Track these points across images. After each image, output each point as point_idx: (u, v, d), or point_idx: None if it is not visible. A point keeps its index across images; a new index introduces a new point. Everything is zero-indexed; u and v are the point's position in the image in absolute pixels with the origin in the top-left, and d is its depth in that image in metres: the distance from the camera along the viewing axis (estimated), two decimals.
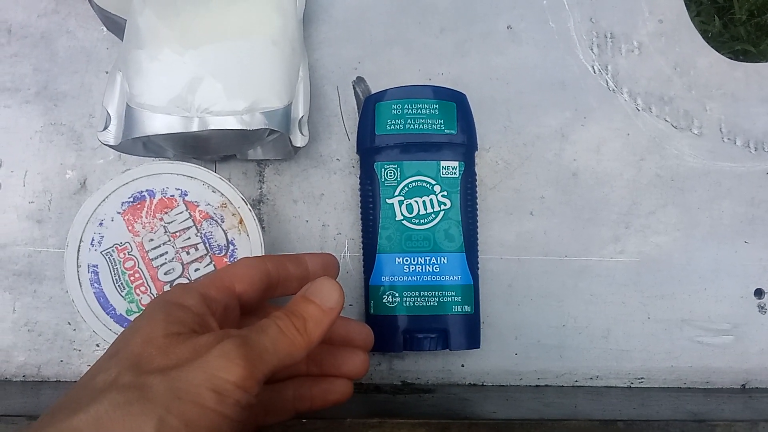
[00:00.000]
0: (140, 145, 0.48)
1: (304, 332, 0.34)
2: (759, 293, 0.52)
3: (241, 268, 0.38)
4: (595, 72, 0.54)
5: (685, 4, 0.55)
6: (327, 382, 0.41)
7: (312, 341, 0.35)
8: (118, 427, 0.28)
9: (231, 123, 0.44)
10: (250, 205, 0.46)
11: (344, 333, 0.42)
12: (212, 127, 0.44)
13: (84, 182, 0.51)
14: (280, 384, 0.40)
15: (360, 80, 0.52)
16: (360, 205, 0.50)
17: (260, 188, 0.52)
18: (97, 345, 0.50)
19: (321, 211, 0.52)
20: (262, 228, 0.51)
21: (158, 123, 0.44)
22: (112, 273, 0.45)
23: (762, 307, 0.52)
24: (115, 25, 0.48)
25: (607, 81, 0.54)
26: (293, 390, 0.40)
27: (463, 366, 0.51)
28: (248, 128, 0.44)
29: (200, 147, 0.48)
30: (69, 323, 0.50)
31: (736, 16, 1.21)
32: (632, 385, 0.51)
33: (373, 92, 0.51)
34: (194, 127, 0.44)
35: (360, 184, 0.50)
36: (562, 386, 0.51)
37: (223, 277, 0.37)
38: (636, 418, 0.42)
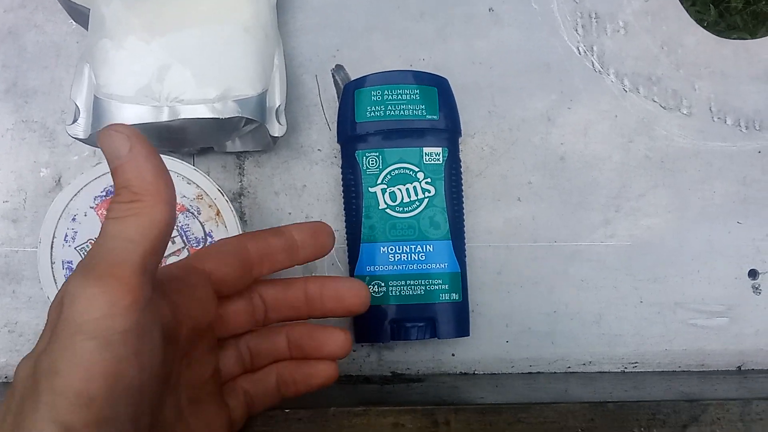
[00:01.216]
0: None
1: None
2: (753, 274, 0.51)
3: (213, 246, 0.36)
4: (580, 53, 0.53)
5: None
6: (309, 365, 0.39)
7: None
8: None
9: (202, 111, 0.43)
10: (230, 197, 0.45)
11: (334, 293, 0.39)
12: (183, 116, 0.43)
13: (59, 179, 0.50)
14: (263, 371, 0.39)
15: (339, 68, 0.51)
16: (342, 194, 0.48)
17: (240, 181, 0.51)
18: None
19: (304, 202, 0.51)
20: (244, 222, 0.50)
21: (127, 113, 0.42)
22: None
23: (756, 288, 0.51)
24: (82, 16, 0.47)
25: (593, 62, 0.52)
26: (276, 375, 0.39)
27: (453, 355, 0.50)
28: (221, 117, 0.43)
29: (176, 139, 0.47)
30: None
31: (732, 4, 1.20)
32: (626, 370, 0.50)
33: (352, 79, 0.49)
34: (164, 117, 0.42)
35: (342, 173, 0.48)
36: (555, 373, 0.50)
37: (191, 257, 0.35)
38: (627, 400, 0.41)
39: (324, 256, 0.39)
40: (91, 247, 0.30)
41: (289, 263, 0.37)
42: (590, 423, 0.41)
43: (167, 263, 0.43)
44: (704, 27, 0.53)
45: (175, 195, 0.29)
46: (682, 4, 0.53)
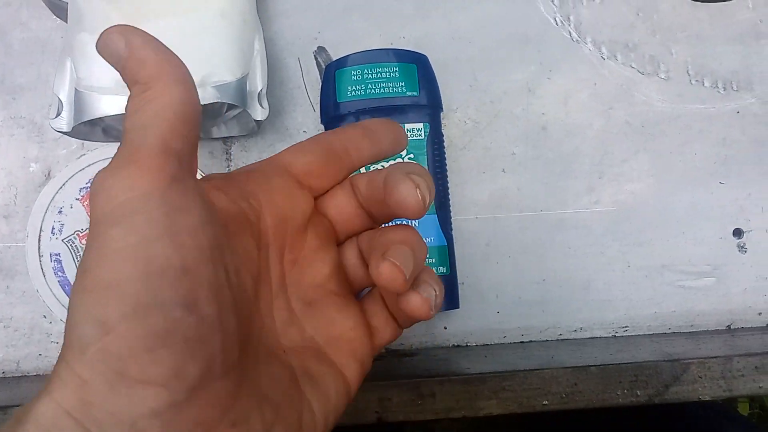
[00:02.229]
0: (99, 130, 0.48)
1: None
2: (738, 233, 0.52)
3: (294, 144, 0.35)
4: (557, 23, 0.53)
5: None
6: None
7: None
8: None
9: None
10: None
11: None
12: None
13: (48, 174, 0.51)
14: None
15: (321, 50, 0.52)
16: None
17: (228, 166, 0.51)
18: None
19: None
20: None
21: (106, 105, 0.43)
22: (75, 260, 0.44)
23: (742, 247, 0.52)
24: (62, 11, 0.48)
25: (570, 32, 0.53)
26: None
27: (446, 328, 0.51)
28: (200, 102, 0.43)
29: None
30: (44, 316, 0.49)
31: None
32: (617, 335, 0.51)
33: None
34: None
35: None
36: (547, 341, 0.51)
37: (274, 155, 0.34)
38: (610, 363, 0.42)
39: (403, 149, 0.37)
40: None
41: (376, 152, 0.35)
42: (573, 387, 0.42)
43: None
44: None
45: (185, 71, 0.28)
46: None
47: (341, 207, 0.34)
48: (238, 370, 0.27)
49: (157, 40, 0.28)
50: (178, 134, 0.26)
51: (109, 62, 0.28)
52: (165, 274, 0.24)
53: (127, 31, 0.27)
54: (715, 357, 0.43)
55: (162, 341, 0.24)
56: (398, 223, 0.33)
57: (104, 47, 0.27)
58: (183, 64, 0.28)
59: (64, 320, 0.43)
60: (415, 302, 0.31)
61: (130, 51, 0.27)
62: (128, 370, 0.23)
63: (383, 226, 0.35)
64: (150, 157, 0.25)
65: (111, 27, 0.27)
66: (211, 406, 0.25)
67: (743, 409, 1.20)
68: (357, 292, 0.36)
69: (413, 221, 0.46)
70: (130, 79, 0.27)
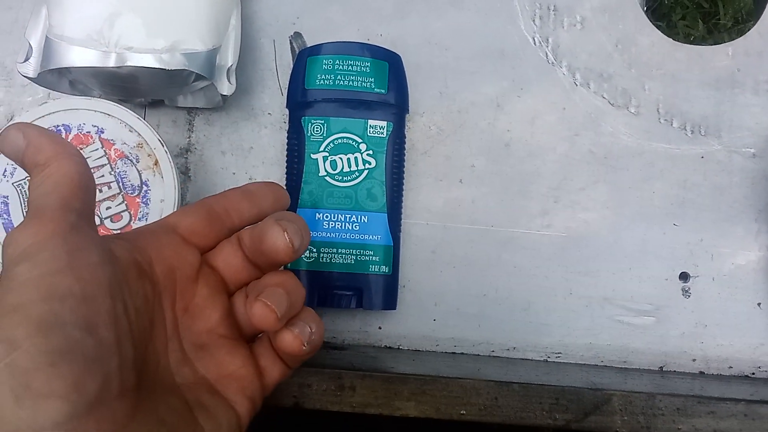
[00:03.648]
0: (66, 82, 0.48)
1: None
2: (684, 277, 0.52)
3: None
4: (535, 44, 0.53)
5: (671, 7, 0.54)
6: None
7: None
8: None
9: (149, 61, 0.44)
10: (177, 152, 0.45)
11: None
12: (130, 63, 0.43)
13: (11, 119, 0.51)
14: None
15: (297, 35, 0.52)
16: (286, 159, 0.49)
17: (189, 137, 0.52)
18: None
19: (249, 164, 0.52)
20: (188, 177, 0.51)
21: (74, 56, 0.43)
22: (23, 205, 0.44)
23: (686, 291, 0.51)
24: None
25: (547, 53, 0.53)
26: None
27: (380, 328, 0.51)
28: (167, 68, 0.44)
29: (126, 88, 0.48)
30: None
31: (721, 21, 1.20)
32: (548, 359, 0.51)
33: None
34: (111, 63, 0.43)
35: (287, 137, 0.49)
36: (479, 355, 0.51)
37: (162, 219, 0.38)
38: (534, 382, 0.42)
39: (285, 207, 0.41)
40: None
41: (256, 212, 0.39)
42: (493, 402, 0.42)
43: (103, 208, 0.44)
44: (691, 42, 0.54)
45: (78, 152, 0.32)
46: (672, 17, 0.54)
47: (228, 260, 0.38)
48: (134, 394, 0.30)
49: (50, 131, 0.32)
50: (76, 197, 0.30)
51: (10, 157, 0.32)
52: (66, 299, 0.27)
53: (23, 126, 0.32)
54: (638, 392, 0.43)
55: (63, 357, 0.26)
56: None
57: (4, 142, 0.32)
58: (72, 145, 0.32)
59: None
60: (287, 339, 0.35)
61: (27, 141, 0.31)
62: (33, 382, 0.25)
63: None
64: (52, 211, 0.29)
65: (8, 125, 0.32)
66: (109, 422, 0.27)
67: None
68: (251, 338, 0.39)
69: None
70: (30, 164, 0.31)
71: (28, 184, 0.44)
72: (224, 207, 0.38)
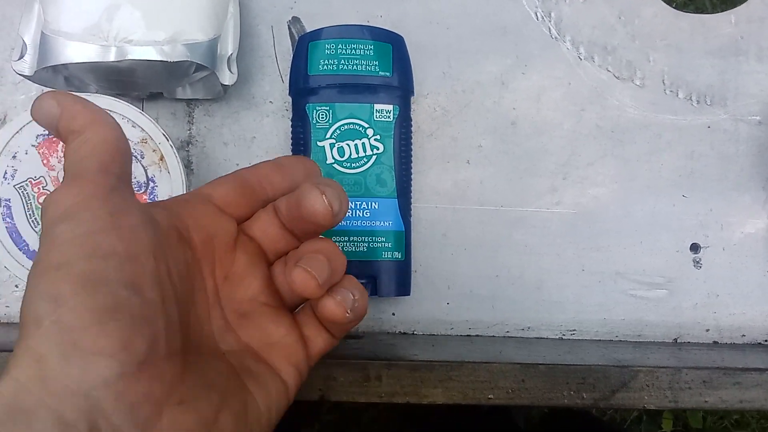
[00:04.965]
0: (61, 78, 0.46)
1: None
2: (695, 248, 0.52)
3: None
4: (537, 19, 0.52)
5: None
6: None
7: None
8: None
9: (150, 53, 0.42)
10: (178, 145, 0.44)
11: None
12: (131, 57, 0.42)
13: (4, 118, 0.49)
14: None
15: (296, 20, 0.51)
16: (291, 147, 0.48)
17: (189, 129, 0.50)
18: (16, 286, 0.49)
19: (252, 154, 0.51)
20: (191, 170, 0.50)
21: (73, 51, 0.42)
22: (26, 208, 0.43)
23: (697, 262, 0.52)
24: None
25: (549, 28, 0.52)
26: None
27: (393, 314, 0.50)
28: (169, 60, 0.43)
29: (124, 82, 0.46)
30: None
31: None
32: (564, 337, 0.51)
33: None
34: (111, 57, 0.42)
35: (291, 126, 0.48)
36: (494, 336, 0.50)
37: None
38: (559, 363, 0.42)
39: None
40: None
41: (288, 184, 0.38)
42: (521, 384, 0.42)
43: None
44: (673, 7, 0.53)
45: (113, 119, 0.32)
46: None
47: (265, 229, 0.37)
48: (181, 357, 0.30)
49: (84, 98, 0.32)
50: (114, 161, 0.30)
51: (43, 124, 0.32)
52: (110, 258, 0.27)
53: (57, 93, 0.31)
54: (664, 367, 0.43)
55: (110, 315, 0.26)
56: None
57: (38, 110, 0.31)
58: (106, 112, 0.32)
59: (7, 266, 0.43)
60: (329, 306, 0.33)
61: (62, 109, 0.31)
62: (81, 341, 0.25)
63: None
64: (92, 174, 0.29)
65: (43, 93, 0.32)
66: (158, 382, 0.27)
67: (667, 426, 1.22)
68: (293, 307, 0.38)
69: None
70: (65, 131, 0.31)
71: (30, 186, 0.43)
72: (257, 178, 0.37)
